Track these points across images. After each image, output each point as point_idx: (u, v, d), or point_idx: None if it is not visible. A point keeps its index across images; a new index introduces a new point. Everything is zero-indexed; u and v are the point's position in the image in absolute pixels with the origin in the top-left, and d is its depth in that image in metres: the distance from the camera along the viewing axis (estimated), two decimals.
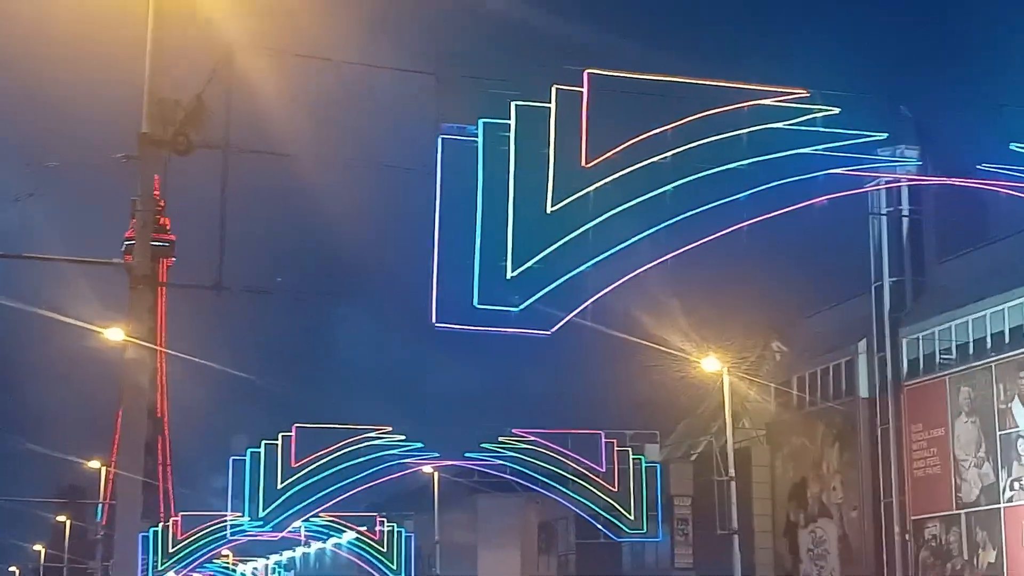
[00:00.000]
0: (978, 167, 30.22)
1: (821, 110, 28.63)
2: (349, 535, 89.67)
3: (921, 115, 31.67)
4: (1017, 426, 45.88)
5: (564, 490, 66.41)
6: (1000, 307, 47.36)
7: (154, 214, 25.51)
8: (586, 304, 27.08)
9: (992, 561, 46.81)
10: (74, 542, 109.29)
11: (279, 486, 62.56)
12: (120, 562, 24.47)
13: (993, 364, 47.30)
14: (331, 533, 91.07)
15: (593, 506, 64.99)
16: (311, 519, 74.79)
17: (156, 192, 25.98)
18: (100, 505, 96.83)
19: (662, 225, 27.37)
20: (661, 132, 27.82)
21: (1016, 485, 45.77)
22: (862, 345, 54.34)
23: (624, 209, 27.26)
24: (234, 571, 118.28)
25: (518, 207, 27.01)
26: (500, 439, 64.32)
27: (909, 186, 47.06)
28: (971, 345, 48.76)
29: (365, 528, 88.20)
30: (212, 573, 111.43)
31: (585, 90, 27.71)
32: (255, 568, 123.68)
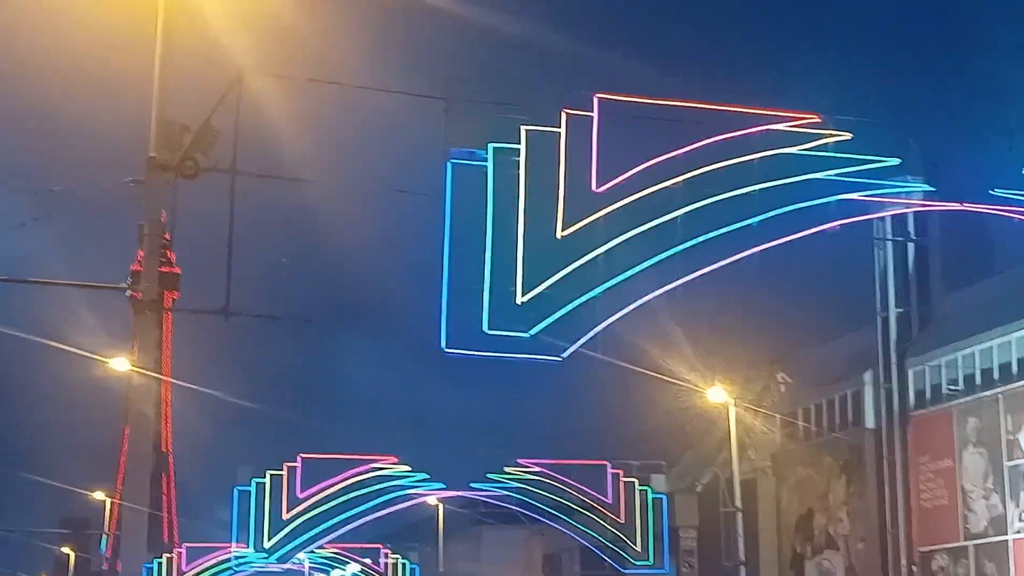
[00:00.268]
0: (991, 192, 30.11)
1: (833, 135, 28.52)
2: (353, 567, 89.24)
3: (933, 141, 31.52)
4: None
5: (570, 521, 66.11)
6: (1007, 337, 47.11)
7: (161, 240, 25.39)
8: (599, 328, 26.91)
9: None
10: (78, 574, 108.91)
11: (284, 517, 62.31)
12: None
13: (1001, 395, 46.99)
14: (335, 565, 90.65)
15: (599, 537, 64.64)
16: (315, 551, 74.42)
17: (163, 221, 25.90)
18: (104, 536, 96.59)
19: (674, 250, 27.22)
20: (672, 157, 27.70)
21: None
22: (868, 376, 54.03)
23: (635, 234, 27.12)
24: None
25: (528, 232, 26.87)
26: (506, 469, 64.08)
27: (915, 215, 46.90)
28: (978, 375, 48.50)
29: (370, 560, 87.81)
30: None
31: (595, 115, 27.59)
32: None
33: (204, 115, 25.04)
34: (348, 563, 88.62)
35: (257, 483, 63.75)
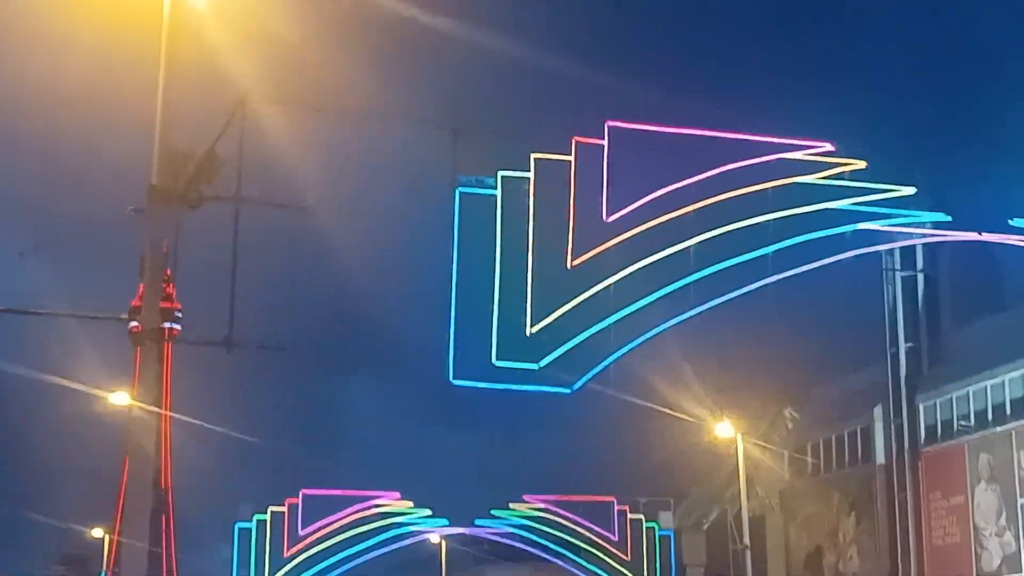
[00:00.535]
0: (1010, 222, 29.66)
1: (847, 164, 28.09)
2: None
3: (949, 170, 31.07)
4: None
5: (576, 558, 65.49)
6: (1018, 372, 46.58)
7: (163, 269, 24.88)
8: (610, 360, 26.43)
9: None
10: None
11: (286, 554, 61.80)
12: None
13: (1013, 430, 46.45)
14: None
15: (605, 575, 64.07)
16: None
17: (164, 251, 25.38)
18: (103, 574, 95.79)
19: (686, 280, 26.82)
20: (684, 186, 27.28)
21: None
22: (878, 411, 53.51)
23: (647, 264, 26.67)
24: None
25: (537, 262, 26.49)
26: (510, 505, 63.58)
27: (924, 247, 46.50)
28: (989, 411, 47.95)
29: None
30: None
31: (606, 143, 27.19)
32: None
33: (208, 142, 24.52)
34: None
35: (258, 519, 63.27)
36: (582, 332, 26.34)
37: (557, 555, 66.02)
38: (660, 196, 27.16)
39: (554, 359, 26.17)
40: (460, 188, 27.07)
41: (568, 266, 26.57)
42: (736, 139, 28.03)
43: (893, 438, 52.52)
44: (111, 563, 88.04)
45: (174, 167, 24.27)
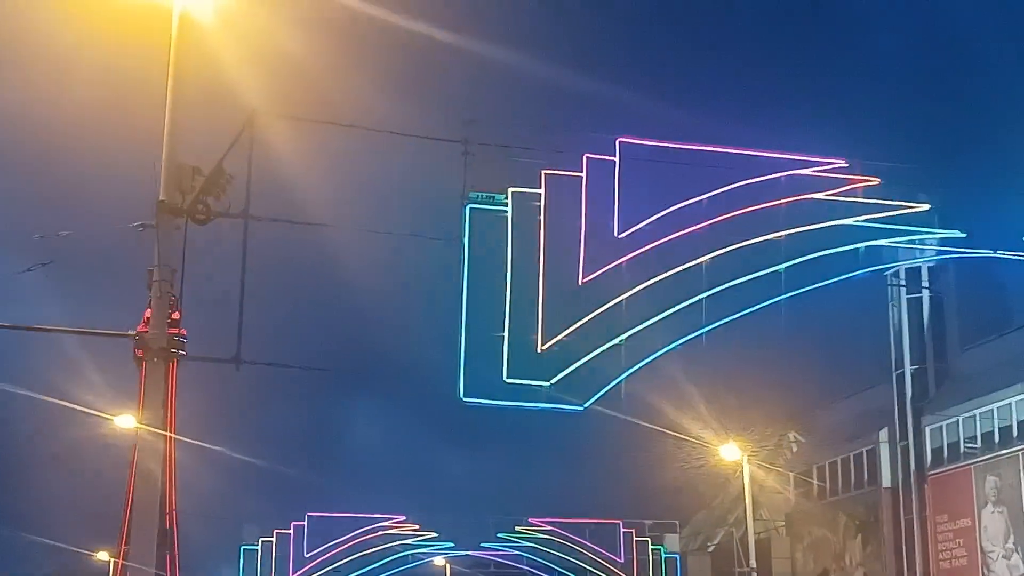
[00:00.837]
0: None
1: (861, 180, 27.91)
2: None
3: (964, 187, 30.83)
4: None
5: None
6: None
7: (171, 284, 24.68)
8: (622, 378, 26.21)
9: None
10: None
11: None
12: None
13: (1020, 452, 46.23)
14: None
15: None
16: None
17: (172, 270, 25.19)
18: None
19: (698, 297, 26.59)
20: (696, 202, 27.08)
21: None
22: (884, 434, 53.31)
23: (658, 281, 26.47)
24: None
25: (548, 279, 26.26)
26: (517, 528, 63.43)
27: (930, 269, 46.25)
28: (996, 433, 47.73)
29: None
30: None
31: (617, 159, 27.01)
32: None
33: (216, 157, 24.37)
34: None
35: (263, 542, 63.18)
36: (594, 349, 26.13)
37: None
38: (672, 212, 26.95)
39: (565, 376, 25.95)
40: (470, 205, 26.88)
41: (579, 283, 26.37)
42: (748, 155, 27.82)
43: (899, 460, 52.33)
44: None
45: (182, 182, 24.10)
